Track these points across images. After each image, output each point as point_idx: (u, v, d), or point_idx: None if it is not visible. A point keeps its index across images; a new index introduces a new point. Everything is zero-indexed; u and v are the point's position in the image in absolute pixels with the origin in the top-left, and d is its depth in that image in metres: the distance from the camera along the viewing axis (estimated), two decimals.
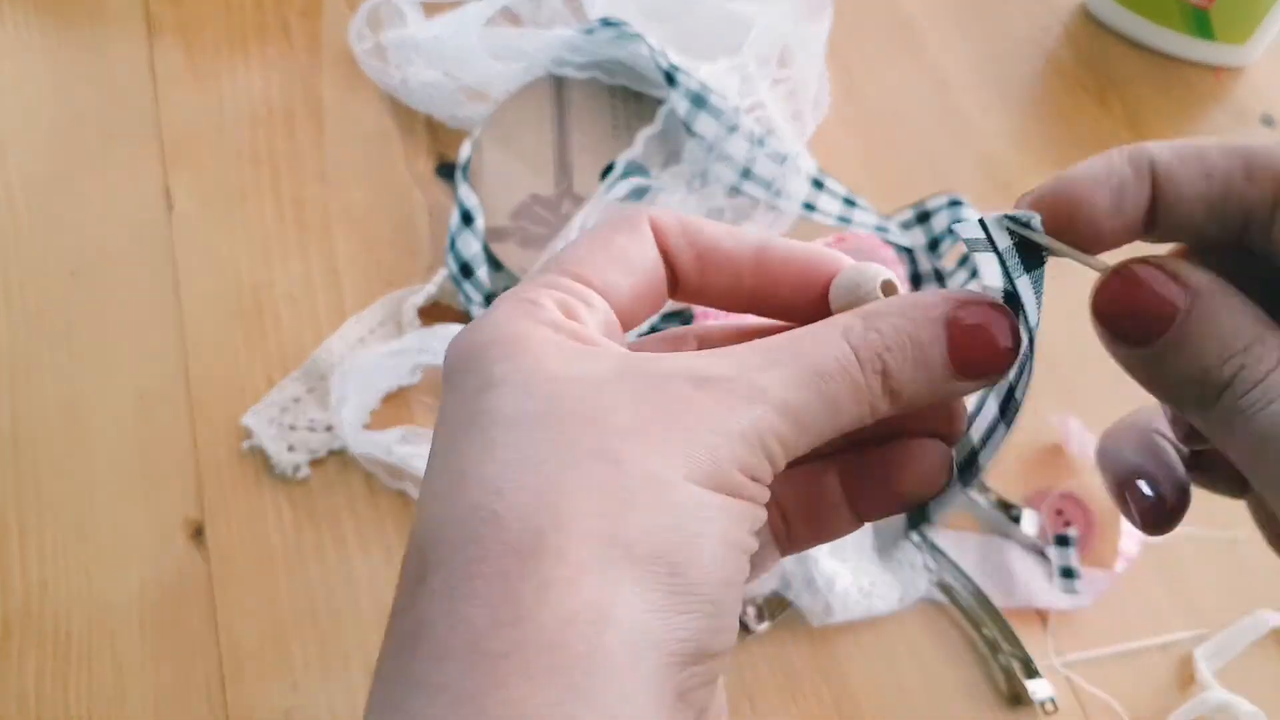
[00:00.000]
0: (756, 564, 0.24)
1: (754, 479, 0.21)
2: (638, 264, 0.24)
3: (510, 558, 0.19)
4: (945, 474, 0.24)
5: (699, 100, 0.50)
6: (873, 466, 0.25)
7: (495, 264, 0.50)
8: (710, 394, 0.21)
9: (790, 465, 0.23)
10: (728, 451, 0.20)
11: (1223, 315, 0.21)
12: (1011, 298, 0.22)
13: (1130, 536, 0.46)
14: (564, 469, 0.20)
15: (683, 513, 0.20)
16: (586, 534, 0.19)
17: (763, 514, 0.21)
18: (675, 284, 0.25)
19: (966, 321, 0.22)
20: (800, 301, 0.25)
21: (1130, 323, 0.21)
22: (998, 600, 0.45)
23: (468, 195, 0.51)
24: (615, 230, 0.24)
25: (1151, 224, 0.22)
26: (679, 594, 0.19)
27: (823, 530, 0.26)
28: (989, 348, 0.22)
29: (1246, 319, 0.21)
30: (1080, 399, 0.50)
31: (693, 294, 0.25)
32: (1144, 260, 0.21)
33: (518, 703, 0.18)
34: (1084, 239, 0.22)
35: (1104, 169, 0.22)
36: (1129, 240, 0.22)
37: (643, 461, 0.20)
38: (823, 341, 0.22)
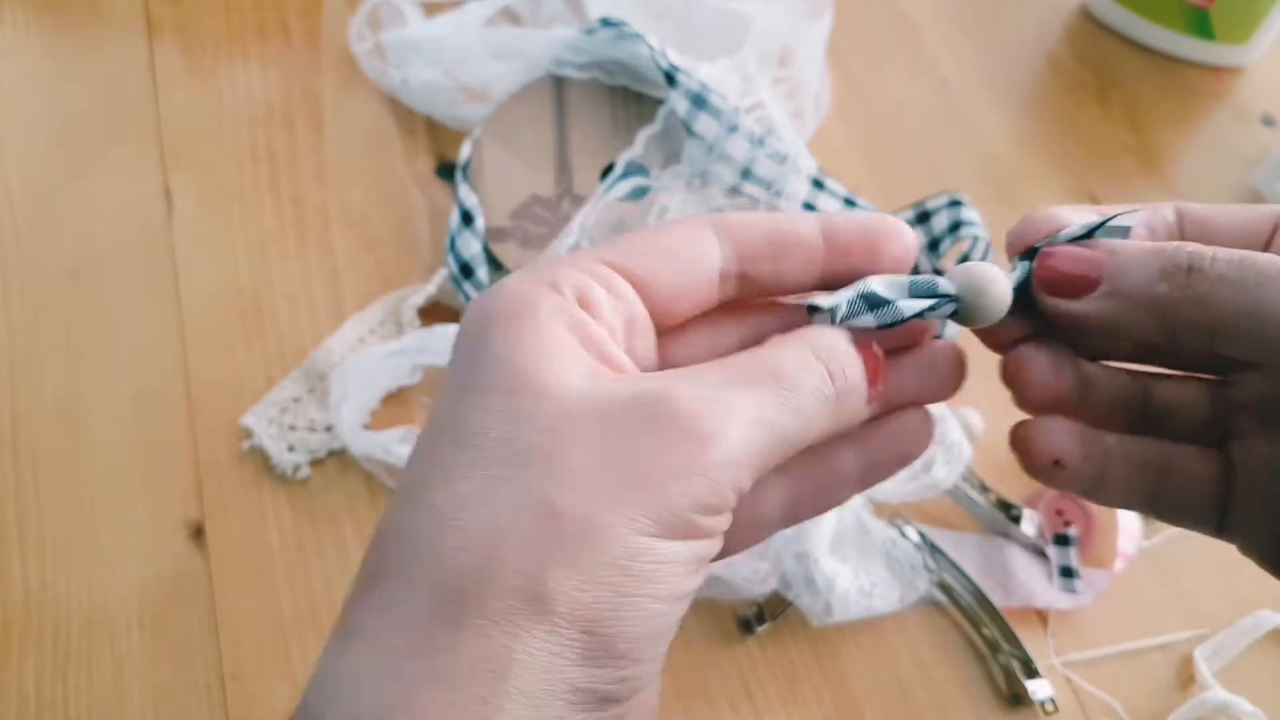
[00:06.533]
0: (747, 537, 0.26)
1: (715, 513, 0.21)
2: (685, 257, 0.24)
3: (436, 597, 0.21)
4: (933, 433, 0.27)
5: (699, 100, 0.50)
6: (880, 438, 0.26)
7: (495, 264, 0.50)
8: (678, 426, 0.21)
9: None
10: (685, 489, 0.21)
11: (1145, 246, 0.24)
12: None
13: (1128, 535, 0.46)
14: (504, 517, 0.21)
15: (613, 570, 0.20)
16: (508, 589, 0.20)
17: (717, 545, 0.22)
18: (748, 279, 0.25)
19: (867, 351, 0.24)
20: (873, 268, 0.25)
21: (1070, 285, 0.24)
22: (997, 600, 0.45)
23: (467, 195, 0.51)
24: (669, 226, 0.24)
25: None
26: (591, 650, 0.20)
27: (830, 503, 0.27)
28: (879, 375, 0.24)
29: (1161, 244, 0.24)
30: None
31: (768, 284, 0.25)
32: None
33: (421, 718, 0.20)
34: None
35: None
36: None
37: (586, 511, 0.20)
38: (794, 358, 0.23)
